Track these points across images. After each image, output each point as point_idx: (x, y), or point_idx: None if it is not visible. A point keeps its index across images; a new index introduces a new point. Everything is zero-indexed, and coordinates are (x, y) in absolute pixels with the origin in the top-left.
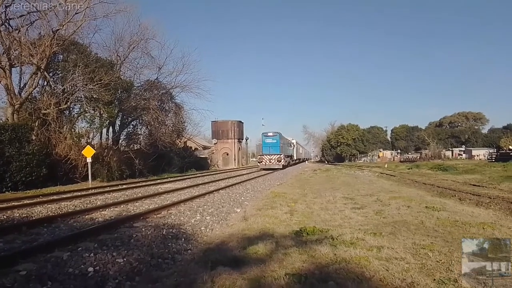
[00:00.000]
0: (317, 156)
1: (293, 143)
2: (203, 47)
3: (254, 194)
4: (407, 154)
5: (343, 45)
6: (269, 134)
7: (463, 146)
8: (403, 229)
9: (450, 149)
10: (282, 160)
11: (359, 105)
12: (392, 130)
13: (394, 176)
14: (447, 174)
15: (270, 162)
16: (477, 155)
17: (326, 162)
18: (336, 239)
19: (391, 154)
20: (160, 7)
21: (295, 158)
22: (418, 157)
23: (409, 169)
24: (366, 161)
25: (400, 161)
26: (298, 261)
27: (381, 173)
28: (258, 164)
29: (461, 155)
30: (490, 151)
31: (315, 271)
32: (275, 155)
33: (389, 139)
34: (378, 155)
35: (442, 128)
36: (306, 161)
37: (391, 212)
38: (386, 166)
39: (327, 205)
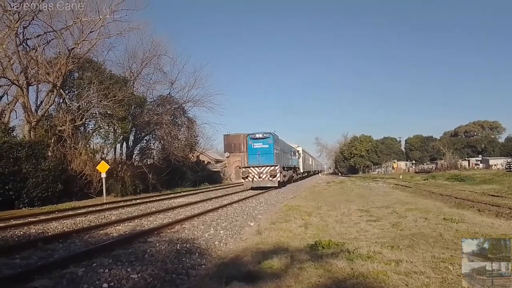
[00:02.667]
0: (330, 168)
1: (298, 151)
2: (215, 61)
3: (268, 207)
4: (422, 164)
5: (353, 55)
6: (257, 135)
7: (480, 155)
8: (421, 242)
9: (466, 159)
10: (278, 175)
11: (372, 116)
12: (406, 141)
13: (410, 187)
14: (464, 184)
15: (259, 177)
16: (495, 165)
17: (340, 174)
18: (353, 252)
19: (406, 165)
20: (172, 23)
21: (301, 170)
22: (433, 168)
23: (424, 180)
24: (380, 172)
25: (415, 172)
26: (314, 275)
27: (396, 184)
28: (243, 180)
29: (478, 165)
30: (508, 160)
31: (332, 286)
32: (266, 166)
33: (403, 149)
34: (393, 166)
35: (457, 137)
36: (319, 173)
37: (408, 224)
38: (401, 177)
39: (342, 218)
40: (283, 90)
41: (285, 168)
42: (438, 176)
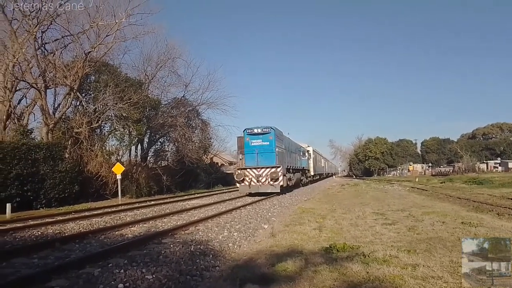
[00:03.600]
0: (344, 170)
1: (308, 151)
2: (229, 63)
3: (281, 209)
4: (439, 167)
5: (367, 56)
6: (255, 130)
7: (499, 158)
8: (439, 246)
9: (484, 161)
10: (281, 178)
11: (387, 118)
12: (422, 143)
13: (426, 190)
14: (482, 187)
15: (257, 181)
16: None
17: (354, 177)
18: (368, 256)
19: (422, 168)
20: (186, 26)
21: (312, 173)
22: (450, 171)
23: (441, 183)
24: (396, 175)
25: (432, 175)
26: (329, 279)
27: (412, 187)
28: (238, 185)
29: (497, 167)
30: None
31: None
32: (266, 168)
33: (419, 152)
34: (408, 169)
35: (475, 140)
36: (333, 176)
37: (425, 228)
38: (417, 180)
39: (356, 221)
40: (297, 92)
41: (291, 170)
42: (455, 179)
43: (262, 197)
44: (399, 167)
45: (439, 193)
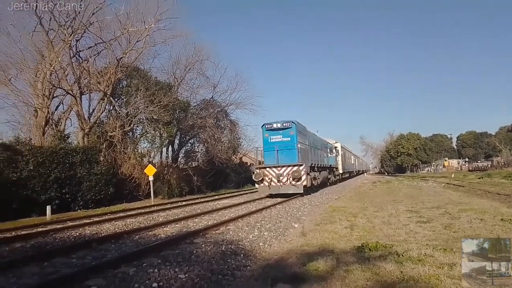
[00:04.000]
0: (376, 167)
1: (336, 147)
2: (257, 61)
3: (312, 208)
4: (476, 162)
5: (399, 48)
6: (274, 125)
7: None
8: None
9: None
10: (304, 177)
11: (419, 113)
12: (458, 138)
13: (463, 186)
14: None
15: (278, 181)
16: None
17: (386, 174)
18: (402, 255)
19: (458, 163)
20: (213, 27)
21: (340, 170)
22: (489, 166)
23: (479, 178)
24: (430, 171)
25: (469, 170)
26: (362, 278)
27: (448, 183)
28: (256, 186)
29: None
30: None
31: None
32: (288, 167)
33: (455, 147)
34: (443, 165)
35: None
36: (365, 173)
37: (462, 226)
38: (452, 176)
39: (389, 219)
40: (327, 88)
41: (316, 168)
42: (494, 174)
43: (291, 197)
44: (434, 163)
45: (476, 189)
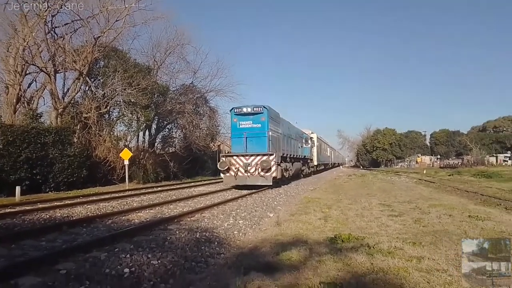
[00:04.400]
0: (352, 161)
1: (311, 138)
2: (238, 49)
3: (287, 198)
4: (448, 160)
5: (378, 48)
6: (244, 109)
7: (509, 152)
8: (445, 239)
9: (494, 155)
10: (274, 168)
11: (396, 109)
12: (431, 135)
13: (434, 182)
14: (491, 181)
15: (245, 171)
16: None
17: (361, 167)
18: (373, 247)
19: (430, 160)
20: (196, 12)
21: (315, 162)
22: (459, 163)
23: (449, 175)
24: (403, 166)
25: (440, 167)
26: (333, 269)
27: (420, 179)
28: (222, 175)
29: (507, 161)
30: None
31: (351, 281)
32: (256, 156)
33: (428, 144)
34: (416, 161)
35: (485, 133)
36: (341, 166)
37: (431, 220)
38: (424, 172)
39: (362, 212)
40: (306, 82)
41: (289, 159)
42: (464, 172)
43: (263, 188)
44: (407, 159)
45: (446, 186)
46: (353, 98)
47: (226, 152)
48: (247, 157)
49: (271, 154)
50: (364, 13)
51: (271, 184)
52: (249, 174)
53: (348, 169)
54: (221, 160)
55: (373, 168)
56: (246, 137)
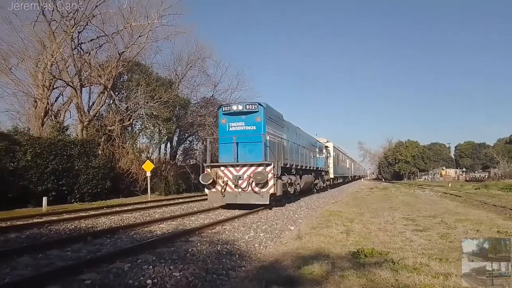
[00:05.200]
0: (373, 173)
1: (326, 147)
2: (257, 61)
3: (308, 211)
4: (474, 173)
5: (398, 55)
6: (234, 108)
7: None
8: None
9: None
10: (272, 182)
11: (418, 121)
12: (456, 147)
13: (460, 196)
14: None
15: (235, 186)
16: None
17: (383, 180)
18: (397, 263)
19: (456, 173)
20: (216, 26)
21: (331, 175)
22: (486, 177)
23: (476, 189)
24: (427, 179)
25: (466, 180)
26: (357, 285)
27: (445, 192)
28: (206, 190)
29: None
30: None
31: None
32: (250, 166)
33: (453, 156)
34: (441, 173)
35: None
36: (362, 179)
37: (458, 236)
38: (450, 185)
39: (385, 226)
40: (327, 94)
41: (295, 170)
42: (491, 185)
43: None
44: (431, 172)
45: (473, 200)
46: (374, 109)
47: (212, 162)
48: (237, 168)
49: (268, 164)
50: (387, 25)
51: (267, 203)
52: (240, 189)
53: (370, 181)
54: (204, 172)
55: (396, 181)
56: (237, 143)
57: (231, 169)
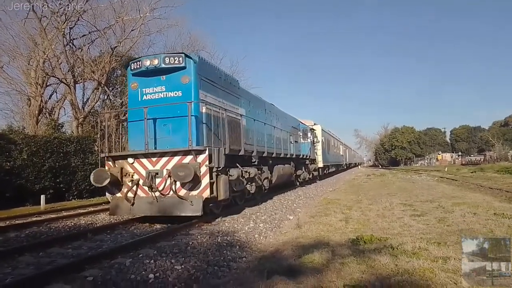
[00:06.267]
0: (370, 160)
1: (313, 130)
2: (252, 51)
3: (306, 200)
4: (469, 156)
5: (393, 39)
6: (148, 62)
7: None
8: None
9: None
10: (205, 179)
11: (414, 106)
12: (451, 132)
13: (456, 180)
14: None
15: (150, 187)
16: None
17: (380, 166)
18: (396, 248)
19: (451, 157)
20: (209, 17)
21: (320, 164)
22: (482, 160)
23: (472, 172)
24: (423, 164)
25: (462, 164)
26: (357, 271)
27: (441, 177)
28: (107, 196)
29: None
30: None
31: (375, 283)
32: (171, 155)
33: (448, 141)
34: (437, 158)
35: (508, 127)
36: (359, 166)
37: (456, 219)
38: (446, 169)
39: (383, 212)
40: (322, 80)
41: (263, 159)
42: (486, 168)
43: (286, 189)
44: (427, 157)
45: (469, 183)
46: (369, 96)
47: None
48: (153, 160)
49: (200, 152)
50: (383, 16)
51: (199, 214)
52: (157, 193)
53: (367, 168)
54: (95, 172)
55: (392, 167)
56: (153, 119)
57: (144, 161)
